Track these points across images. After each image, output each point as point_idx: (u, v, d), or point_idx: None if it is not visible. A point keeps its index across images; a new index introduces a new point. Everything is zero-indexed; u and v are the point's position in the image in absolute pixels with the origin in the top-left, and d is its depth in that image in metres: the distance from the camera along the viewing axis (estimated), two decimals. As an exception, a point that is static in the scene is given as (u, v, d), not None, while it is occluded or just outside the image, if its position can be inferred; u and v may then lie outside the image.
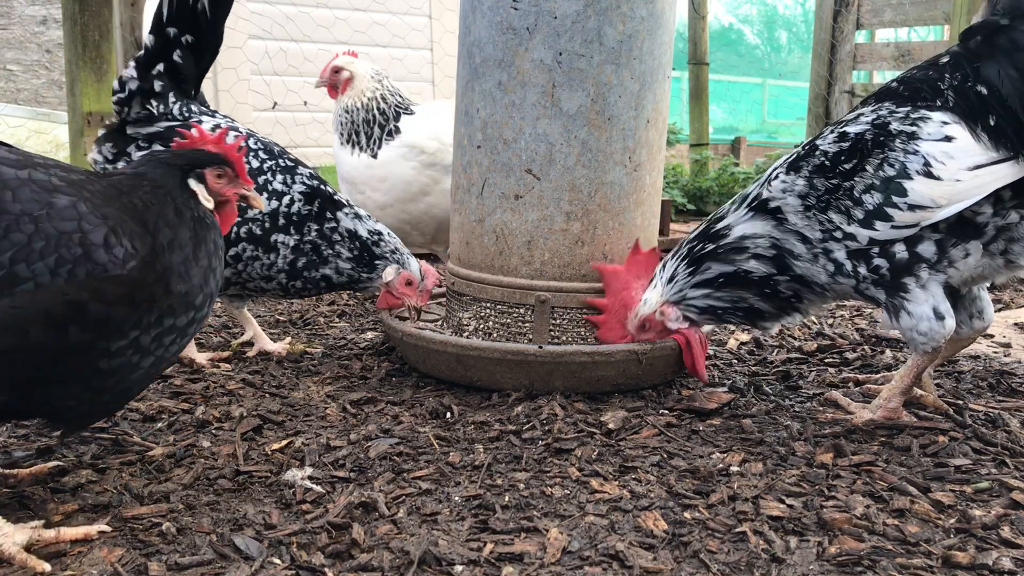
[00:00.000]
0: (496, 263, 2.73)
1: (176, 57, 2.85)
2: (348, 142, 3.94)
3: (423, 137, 3.87)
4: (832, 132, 2.33)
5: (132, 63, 2.87)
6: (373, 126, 3.93)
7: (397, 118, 3.95)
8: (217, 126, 2.87)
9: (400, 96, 4.02)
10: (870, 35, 7.91)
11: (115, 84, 2.89)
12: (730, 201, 2.52)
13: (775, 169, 2.40)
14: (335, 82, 3.93)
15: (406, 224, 3.94)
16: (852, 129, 2.27)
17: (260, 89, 7.93)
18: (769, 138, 17.72)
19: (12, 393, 1.62)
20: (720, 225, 2.45)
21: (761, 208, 2.37)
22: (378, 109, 3.92)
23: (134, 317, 1.67)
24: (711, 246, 2.44)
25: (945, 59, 2.24)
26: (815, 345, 3.22)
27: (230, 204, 1.98)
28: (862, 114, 2.30)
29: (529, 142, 2.63)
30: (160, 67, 2.85)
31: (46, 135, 6.10)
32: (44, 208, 1.60)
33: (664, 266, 2.57)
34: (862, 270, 2.24)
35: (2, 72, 9.02)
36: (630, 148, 2.66)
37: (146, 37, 2.87)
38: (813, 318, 3.70)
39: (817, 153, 2.30)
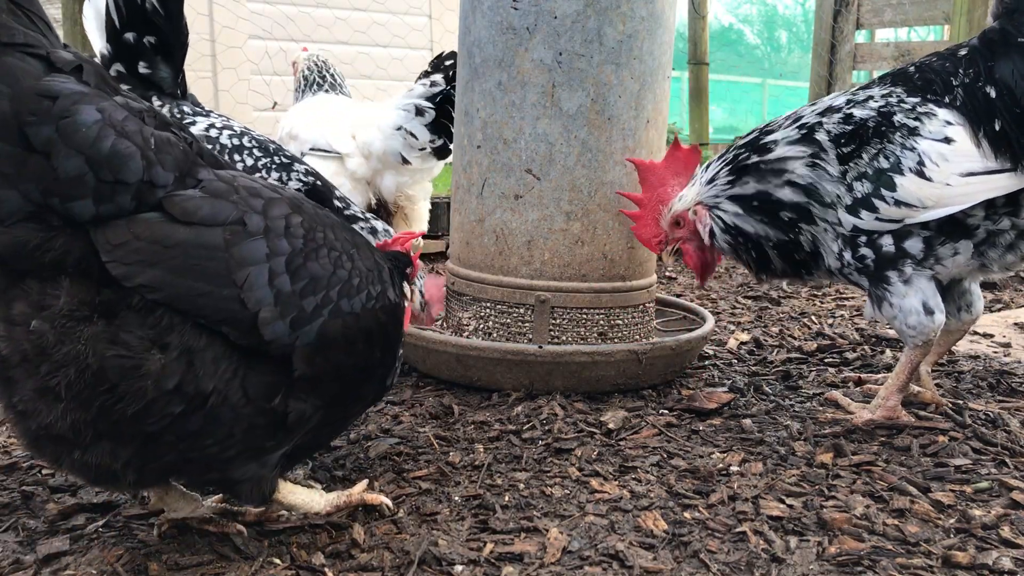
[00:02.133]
0: (496, 263, 2.73)
1: (143, 65, 2.79)
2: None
3: (291, 115, 4.31)
4: (838, 113, 2.29)
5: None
6: (302, 83, 4.46)
7: (309, 89, 4.42)
8: (243, 133, 2.85)
9: (331, 76, 4.43)
10: (870, 35, 7.92)
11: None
12: (784, 116, 2.43)
13: (823, 106, 2.34)
14: (294, 72, 4.65)
15: None
16: (858, 113, 2.25)
17: (260, 89, 7.93)
18: (769, 138, 17.70)
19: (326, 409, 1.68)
20: (768, 139, 2.36)
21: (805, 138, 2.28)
22: (303, 75, 4.46)
23: (397, 346, 1.83)
24: (756, 158, 2.35)
25: (963, 51, 2.21)
26: (815, 345, 3.22)
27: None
28: (871, 96, 2.27)
29: (529, 142, 2.63)
30: (124, 72, 2.79)
31: (46, 135, 6.09)
32: (354, 247, 1.72)
33: (708, 167, 2.48)
34: (847, 256, 2.25)
35: (2, 72, 9.01)
36: (630, 148, 2.66)
37: (101, 47, 2.78)
38: (813, 318, 3.70)
39: (822, 131, 2.26)
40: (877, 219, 2.18)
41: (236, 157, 2.85)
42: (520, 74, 2.61)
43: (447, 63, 3.94)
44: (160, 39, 2.79)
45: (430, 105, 3.87)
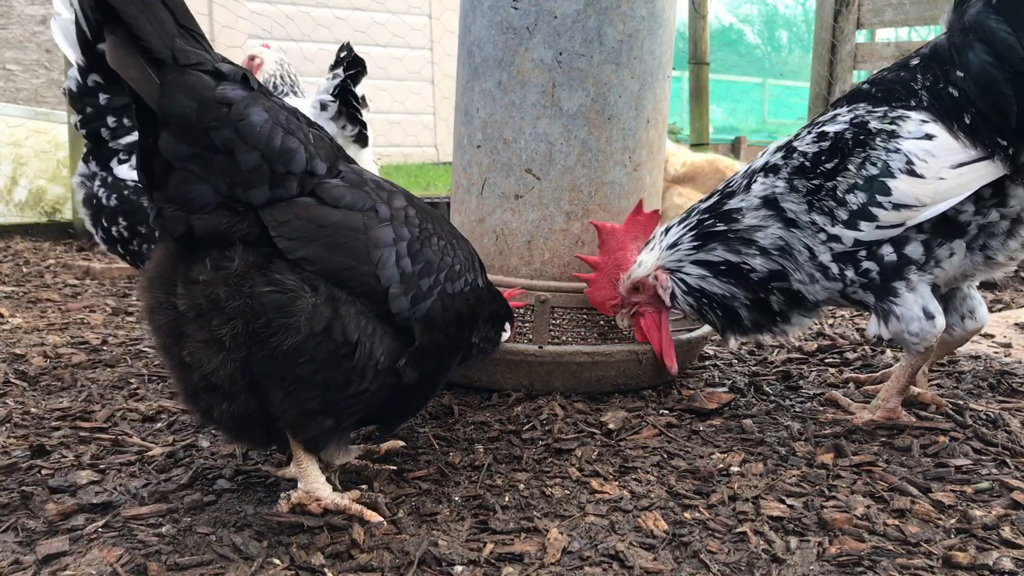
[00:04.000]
0: (496, 263, 2.73)
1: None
2: None
3: None
4: (809, 132, 2.30)
5: (71, 87, 2.85)
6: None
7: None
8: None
9: (292, 82, 4.58)
10: (870, 35, 7.91)
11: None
12: (740, 173, 2.42)
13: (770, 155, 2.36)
14: (249, 67, 4.53)
15: None
16: (831, 128, 2.25)
17: (260, 89, 7.96)
18: (770, 138, 17.73)
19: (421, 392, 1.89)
20: (731, 205, 2.36)
21: (767, 204, 2.31)
22: (272, 86, 4.50)
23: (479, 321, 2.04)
24: (722, 227, 2.36)
25: (915, 61, 2.23)
26: (815, 345, 3.22)
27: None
28: (838, 114, 2.28)
29: (529, 142, 2.63)
30: (101, 82, 2.80)
31: (45, 135, 6.09)
32: (454, 238, 1.95)
33: (667, 231, 2.48)
34: (849, 274, 2.22)
35: (1, 72, 9.03)
36: (630, 148, 2.66)
37: (76, 58, 2.75)
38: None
39: (796, 155, 2.28)
40: (878, 227, 2.15)
41: None
42: (520, 74, 2.60)
43: (342, 55, 4.04)
44: None
45: (331, 99, 3.92)
